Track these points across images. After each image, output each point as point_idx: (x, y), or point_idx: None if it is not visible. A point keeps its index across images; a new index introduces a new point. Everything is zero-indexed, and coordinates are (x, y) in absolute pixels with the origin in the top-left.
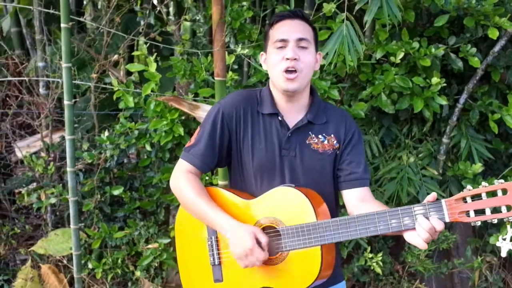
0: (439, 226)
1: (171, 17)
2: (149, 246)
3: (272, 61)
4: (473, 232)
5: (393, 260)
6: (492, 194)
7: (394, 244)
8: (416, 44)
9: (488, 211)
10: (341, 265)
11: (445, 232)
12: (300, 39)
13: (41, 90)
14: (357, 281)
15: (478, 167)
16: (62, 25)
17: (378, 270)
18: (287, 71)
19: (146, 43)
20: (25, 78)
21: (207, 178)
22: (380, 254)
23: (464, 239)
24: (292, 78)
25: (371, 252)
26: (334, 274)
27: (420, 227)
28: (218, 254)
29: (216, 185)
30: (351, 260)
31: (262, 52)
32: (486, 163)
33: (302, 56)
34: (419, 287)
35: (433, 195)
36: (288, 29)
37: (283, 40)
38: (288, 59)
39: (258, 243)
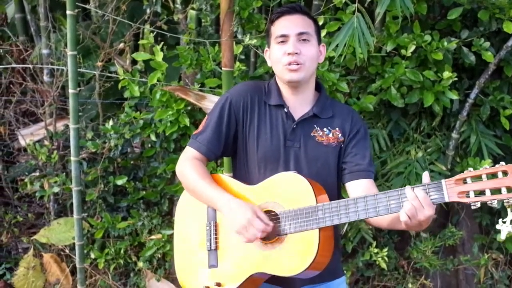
0: (425, 200)
1: (178, 6)
2: (152, 237)
3: (275, 56)
4: (480, 229)
5: (398, 256)
6: (492, 176)
7: (400, 239)
8: (428, 37)
9: (488, 192)
10: (346, 259)
11: (451, 228)
12: (301, 33)
13: (45, 78)
14: (362, 275)
15: (487, 163)
16: (68, 12)
17: (383, 265)
18: (290, 64)
19: (152, 31)
20: (29, 66)
21: (211, 170)
22: (385, 249)
23: (471, 235)
24: (295, 69)
25: (376, 247)
26: (333, 269)
27: (406, 199)
28: (216, 239)
29: None
30: (356, 255)
31: (266, 48)
32: (495, 159)
33: (303, 50)
34: (424, 283)
35: (425, 174)
36: (288, 24)
37: (283, 36)
38: (290, 54)
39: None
